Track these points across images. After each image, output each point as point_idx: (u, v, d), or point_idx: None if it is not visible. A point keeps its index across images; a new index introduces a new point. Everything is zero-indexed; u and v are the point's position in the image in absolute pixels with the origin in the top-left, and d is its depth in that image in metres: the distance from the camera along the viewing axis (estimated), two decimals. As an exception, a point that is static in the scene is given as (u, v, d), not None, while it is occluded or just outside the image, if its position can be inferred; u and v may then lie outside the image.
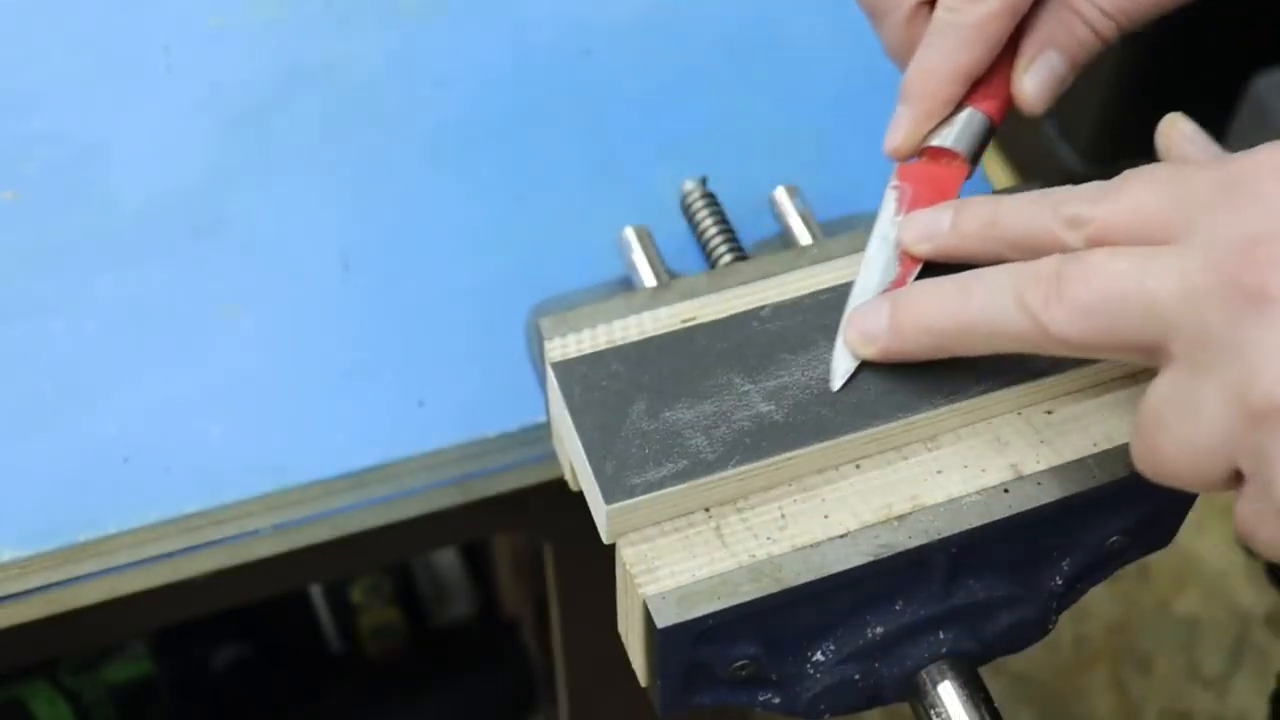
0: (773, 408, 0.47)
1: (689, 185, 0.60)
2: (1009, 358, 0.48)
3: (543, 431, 0.57)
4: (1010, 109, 0.53)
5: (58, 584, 0.57)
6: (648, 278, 0.56)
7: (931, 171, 0.52)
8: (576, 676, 0.80)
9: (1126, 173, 0.43)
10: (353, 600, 1.10)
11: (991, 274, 0.44)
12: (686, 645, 0.44)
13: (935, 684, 0.48)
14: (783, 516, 0.46)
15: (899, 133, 0.52)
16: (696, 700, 0.48)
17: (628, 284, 0.58)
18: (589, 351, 0.49)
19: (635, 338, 0.49)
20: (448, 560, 1.14)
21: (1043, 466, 0.47)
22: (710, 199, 0.59)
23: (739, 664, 0.46)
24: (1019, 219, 0.45)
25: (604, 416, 0.47)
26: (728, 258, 0.57)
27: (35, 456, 0.58)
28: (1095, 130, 1.60)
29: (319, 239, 0.65)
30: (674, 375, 0.48)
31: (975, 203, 0.48)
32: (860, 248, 0.52)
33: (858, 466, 0.47)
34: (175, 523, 0.57)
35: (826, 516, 0.46)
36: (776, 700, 0.48)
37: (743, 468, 0.46)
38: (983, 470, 0.47)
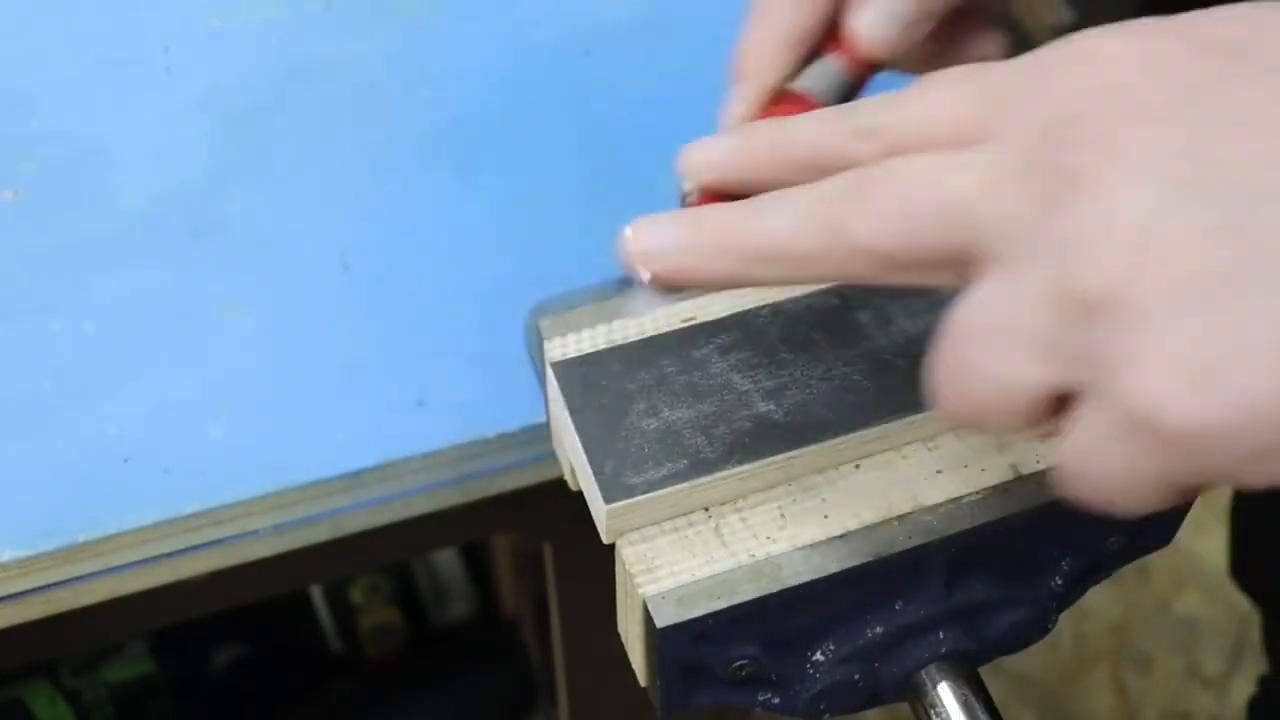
0: (772, 407, 0.47)
1: (689, 185, 0.60)
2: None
3: (543, 431, 0.57)
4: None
5: (58, 584, 0.57)
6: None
7: (781, 114, 0.47)
8: (576, 676, 0.80)
9: (923, 77, 0.39)
10: (353, 600, 1.10)
11: (795, 190, 0.39)
12: (686, 645, 0.44)
13: (935, 684, 0.48)
14: (782, 516, 0.46)
15: (733, 113, 0.48)
16: (696, 700, 0.48)
17: (628, 284, 0.58)
18: (589, 351, 0.49)
19: (635, 338, 0.49)
20: (448, 560, 1.14)
21: (1043, 467, 0.47)
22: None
23: (739, 664, 0.46)
24: (807, 135, 0.41)
25: (604, 416, 0.47)
26: (728, 258, 0.57)
27: (35, 456, 0.58)
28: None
29: (319, 239, 0.65)
30: (674, 375, 0.48)
31: (760, 125, 0.43)
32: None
33: (858, 466, 0.47)
34: (175, 523, 0.57)
35: (826, 516, 0.46)
36: (776, 700, 0.48)
37: (742, 467, 0.46)
38: (983, 470, 0.47)
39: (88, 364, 0.61)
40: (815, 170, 0.40)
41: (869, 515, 0.46)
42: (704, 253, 0.41)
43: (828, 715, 0.49)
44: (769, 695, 0.48)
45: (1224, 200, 0.31)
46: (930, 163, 0.36)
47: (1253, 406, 0.30)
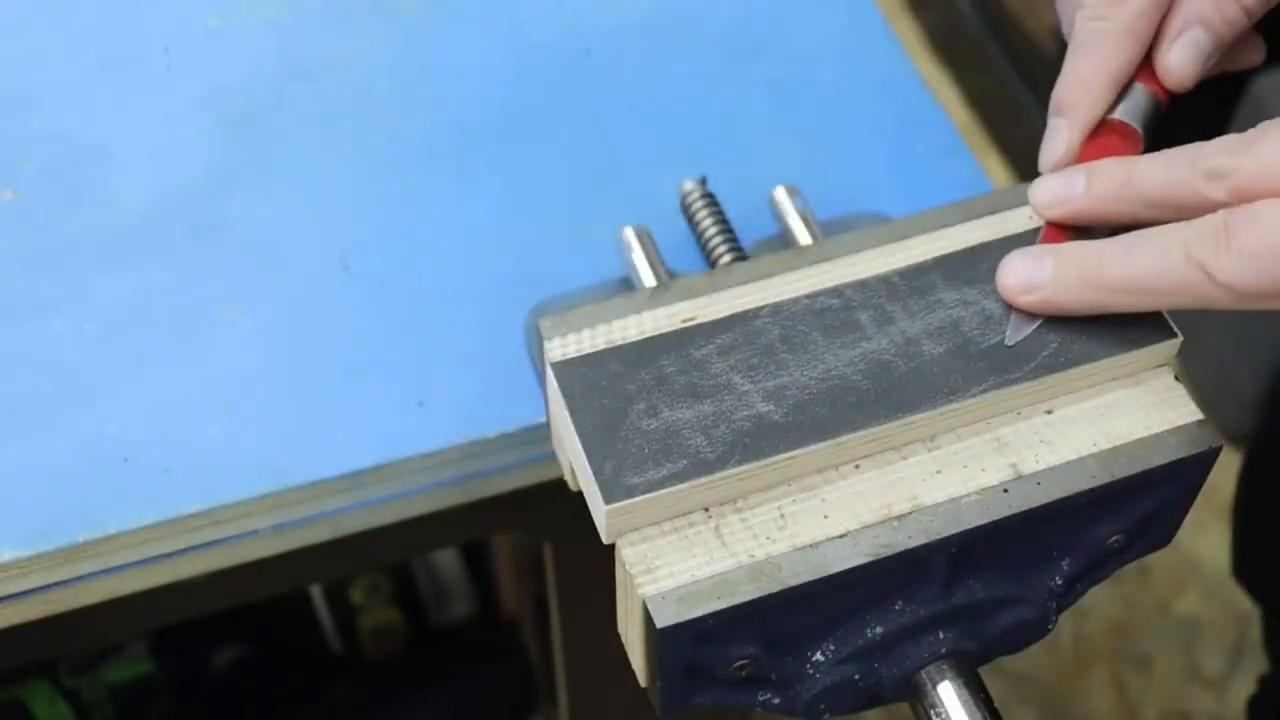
0: (772, 407, 0.47)
1: (689, 185, 0.60)
2: (1011, 355, 0.48)
3: (543, 431, 0.57)
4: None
5: (58, 584, 0.57)
6: (648, 278, 0.56)
7: (1105, 145, 0.52)
8: (576, 676, 0.80)
9: (1263, 124, 0.44)
10: (353, 600, 1.10)
11: (1158, 231, 0.45)
12: (686, 645, 0.44)
13: (935, 684, 0.48)
14: (782, 516, 0.46)
15: (1058, 145, 0.52)
16: (696, 700, 0.48)
17: (628, 284, 0.58)
18: (589, 351, 0.49)
19: (635, 338, 0.49)
20: (448, 560, 1.14)
21: (1042, 466, 0.47)
22: (710, 199, 0.59)
23: (739, 664, 0.46)
24: (1156, 177, 0.46)
25: (604, 416, 0.47)
26: (728, 258, 0.57)
27: (35, 456, 0.58)
28: (1095, 130, 1.60)
29: (319, 239, 0.65)
30: (674, 375, 0.48)
31: (1108, 164, 0.48)
32: (860, 248, 0.52)
33: (857, 466, 0.47)
34: (175, 523, 0.57)
35: (826, 516, 0.46)
36: (776, 700, 0.48)
37: (742, 468, 0.46)
38: (982, 470, 0.47)
39: (88, 364, 0.61)
40: (1164, 209, 0.46)
41: (869, 515, 0.46)
42: (1072, 287, 0.47)
43: (828, 715, 0.49)
44: (769, 695, 0.48)
45: None
46: None
47: None
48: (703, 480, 0.46)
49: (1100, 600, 1.51)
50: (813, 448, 0.46)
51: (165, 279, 0.64)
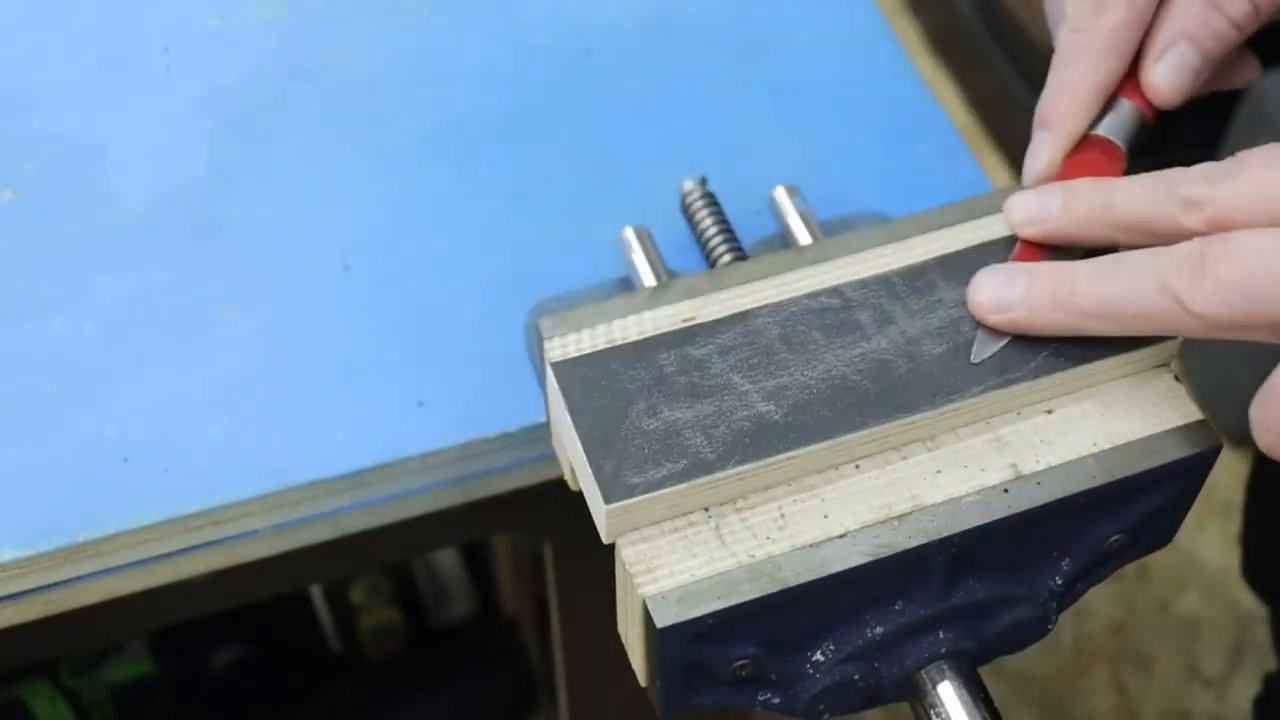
0: (772, 407, 0.47)
1: (689, 185, 0.60)
2: (1011, 355, 0.48)
3: (543, 431, 0.57)
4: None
5: (58, 584, 0.57)
6: (648, 278, 0.56)
7: (1088, 161, 0.51)
8: (576, 676, 0.80)
9: (1242, 153, 0.43)
10: (353, 600, 1.10)
11: (1134, 256, 0.44)
12: (686, 645, 0.44)
13: (935, 684, 0.48)
14: (782, 516, 0.46)
15: (1040, 159, 0.51)
16: (696, 700, 0.48)
17: (628, 284, 0.58)
18: (589, 351, 0.49)
19: (635, 338, 0.49)
20: (448, 560, 1.14)
21: (1042, 466, 0.47)
22: (710, 199, 0.59)
23: (739, 664, 0.46)
24: (1133, 202, 0.46)
25: (604, 416, 0.47)
26: (728, 258, 0.57)
27: (35, 456, 0.58)
28: (1095, 130, 1.60)
29: (319, 239, 0.65)
30: (674, 375, 0.48)
31: (1086, 185, 0.48)
32: (860, 247, 0.52)
33: (857, 466, 0.47)
34: (175, 523, 0.57)
35: (826, 516, 0.46)
36: (776, 700, 0.48)
37: (742, 468, 0.46)
38: (982, 470, 0.47)
39: (88, 364, 0.61)
40: (1141, 234, 0.45)
41: (869, 515, 0.46)
42: (1044, 308, 0.47)
43: (828, 715, 0.49)
44: (769, 695, 0.48)
45: None
46: (1269, 244, 0.41)
47: None
48: (703, 480, 0.46)
49: (1100, 600, 1.51)
50: (813, 448, 0.46)
51: (165, 279, 0.64)
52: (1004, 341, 0.48)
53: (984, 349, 0.48)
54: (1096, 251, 0.48)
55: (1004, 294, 0.48)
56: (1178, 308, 0.42)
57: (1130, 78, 0.52)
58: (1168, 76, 0.51)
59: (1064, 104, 0.51)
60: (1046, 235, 0.49)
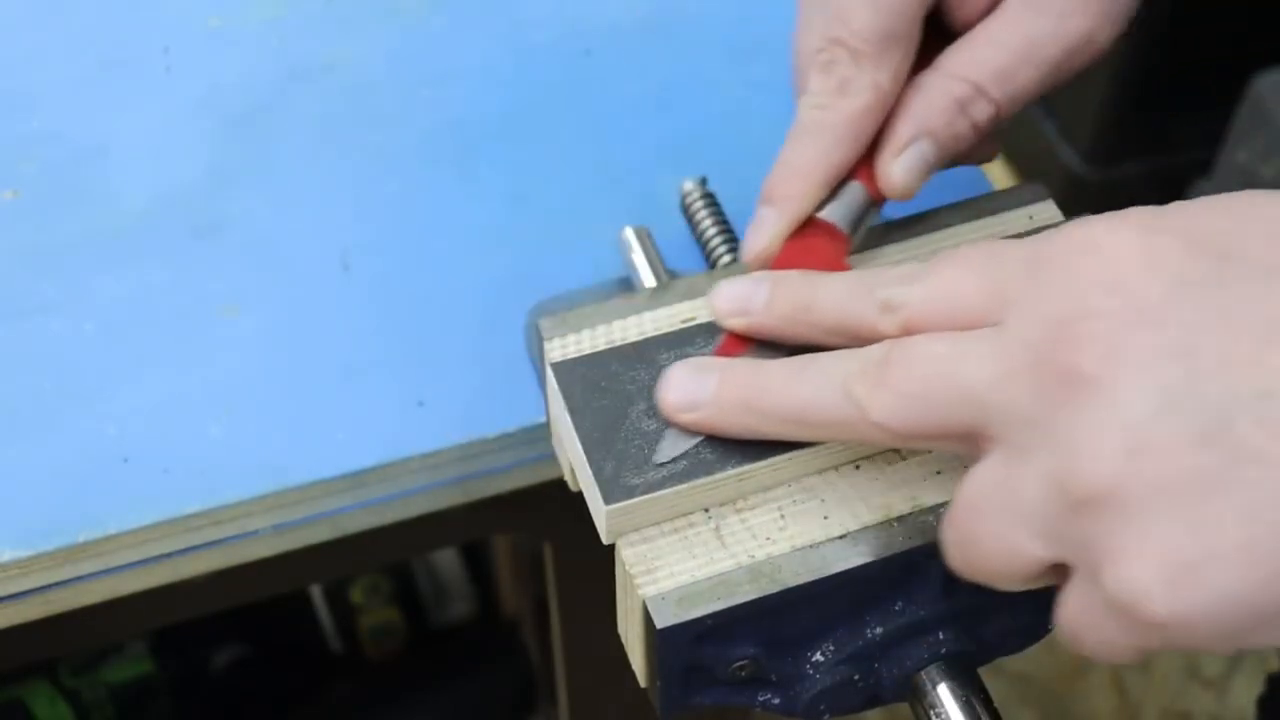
0: (772, 408, 0.47)
1: (689, 185, 0.60)
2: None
3: (543, 431, 0.57)
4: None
5: (58, 584, 0.57)
6: (648, 278, 0.56)
7: (810, 246, 0.49)
8: (576, 676, 0.80)
9: (940, 254, 0.42)
10: (353, 600, 1.10)
11: (823, 360, 0.43)
12: (686, 645, 0.44)
13: (935, 684, 0.48)
14: (782, 517, 0.46)
15: (762, 236, 0.50)
16: (696, 701, 0.48)
17: (628, 284, 0.58)
18: (589, 351, 0.49)
19: (635, 338, 0.49)
20: (448, 560, 1.14)
21: (1042, 467, 0.47)
22: (710, 199, 0.59)
23: (739, 664, 0.46)
24: (835, 302, 0.44)
25: (604, 417, 0.47)
26: (728, 258, 0.57)
27: (35, 456, 0.58)
28: (1095, 130, 1.60)
29: (319, 239, 0.65)
30: (674, 375, 0.48)
31: (792, 281, 0.46)
32: (860, 248, 0.52)
33: (857, 467, 0.47)
34: (175, 523, 0.57)
35: (826, 517, 0.46)
36: (776, 700, 0.48)
37: (742, 468, 0.46)
38: (982, 470, 0.47)
39: (88, 364, 0.61)
40: (842, 337, 0.44)
41: (869, 515, 0.46)
42: (732, 411, 0.45)
43: (828, 715, 0.49)
44: (769, 695, 0.48)
45: (1210, 404, 0.34)
46: (947, 349, 0.39)
47: (1224, 600, 0.33)
48: (703, 480, 0.45)
49: (1100, 600, 1.51)
50: (812, 448, 0.46)
51: (165, 279, 0.64)
52: (695, 441, 0.46)
53: (673, 447, 0.46)
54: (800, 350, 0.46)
55: (694, 392, 0.45)
56: (859, 415, 0.41)
57: (864, 161, 0.50)
58: (906, 173, 0.50)
59: (793, 185, 0.49)
60: (749, 329, 0.47)
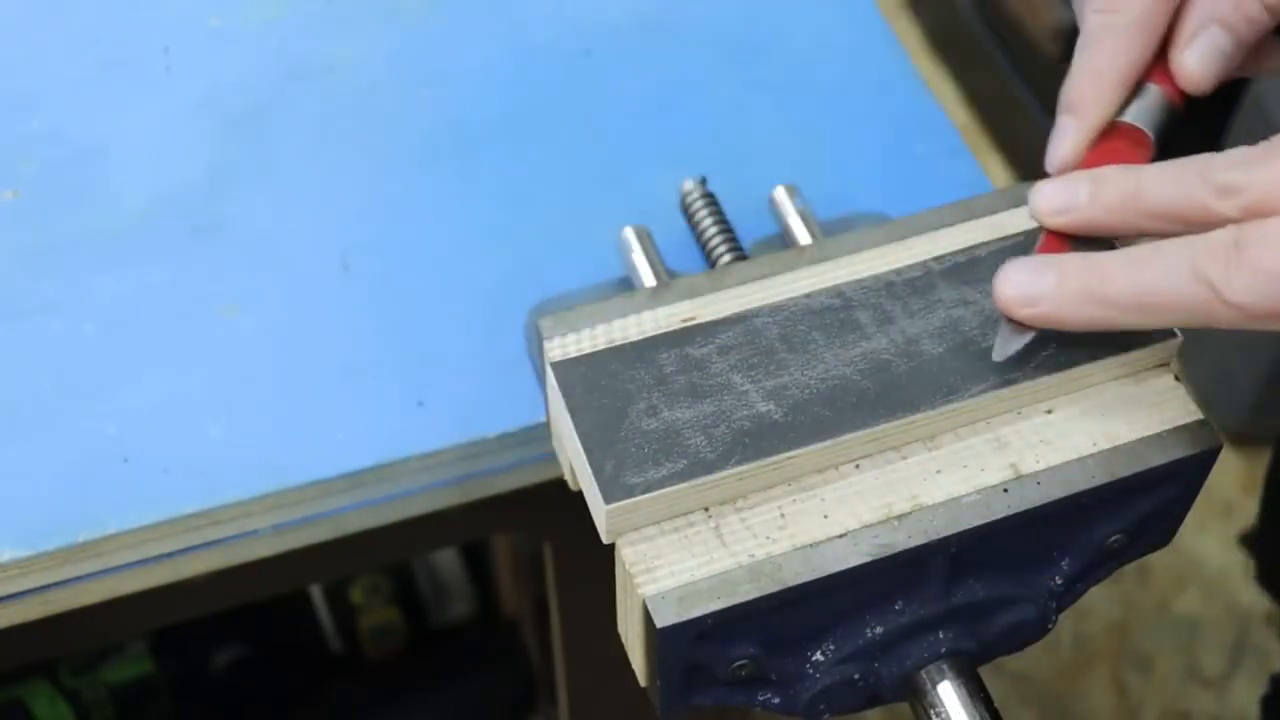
0: (772, 407, 0.47)
1: (689, 185, 0.60)
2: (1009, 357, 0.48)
3: (543, 431, 0.57)
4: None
5: (58, 584, 0.57)
6: (648, 278, 0.56)
7: (1114, 149, 0.49)
8: (576, 676, 0.80)
9: (1275, 138, 0.42)
10: (353, 600, 1.10)
11: (1166, 246, 0.43)
12: (686, 645, 0.44)
13: (935, 684, 0.48)
14: (782, 516, 0.46)
15: (1065, 144, 0.49)
16: (696, 700, 0.48)
17: (628, 284, 0.58)
18: (589, 351, 0.49)
19: (635, 338, 0.49)
20: (448, 560, 1.14)
21: (1042, 466, 0.47)
22: (710, 199, 0.59)
23: (739, 664, 0.46)
24: (1164, 189, 0.44)
25: (604, 416, 0.47)
26: (727, 258, 0.57)
27: (35, 456, 0.58)
28: (1095, 130, 1.59)
29: (319, 239, 0.65)
30: (674, 375, 0.48)
31: (1115, 173, 0.46)
32: (859, 248, 0.52)
33: (857, 466, 0.47)
34: (175, 523, 0.57)
35: (826, 516, 0.46)
36: (776, 700, 0.48)
37: (742, 467, 0.46)
38: (982, 470, 0.47)
39: (88, 364, 0.61)
40: (1173, 222, 0.43)
41: (869, 515, 0.46)
42: (1075, 301, 0.44)
43: (828, 715, 0.49)
44: (769, 695, 0.48)
45: None
46: None
47: None
48: (703, 480, 0.46)
49: (1100, 600, 1.51)
50: (813, 447, 0.46)
51: (165, 279, 0.64)
52: (1029, 337, 0.47)
53: (1007, 345, 0.47)
54: (1126, 243, 0.46)
55: (1033, 287, 0.45)
56: (1213, 297, 0.41)
57: (1158, 62, 0.50)
58: (1200, 62, 0.49)
59: (1090, 90, 0.49)
60: (1074, 225, 0.47)
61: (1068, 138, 0.49)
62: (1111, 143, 0.49)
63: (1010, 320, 0.47)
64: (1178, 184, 0.44)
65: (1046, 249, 0.48)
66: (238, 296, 0.63)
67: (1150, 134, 0.50)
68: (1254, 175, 0.41)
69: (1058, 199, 0.47)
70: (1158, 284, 0.42)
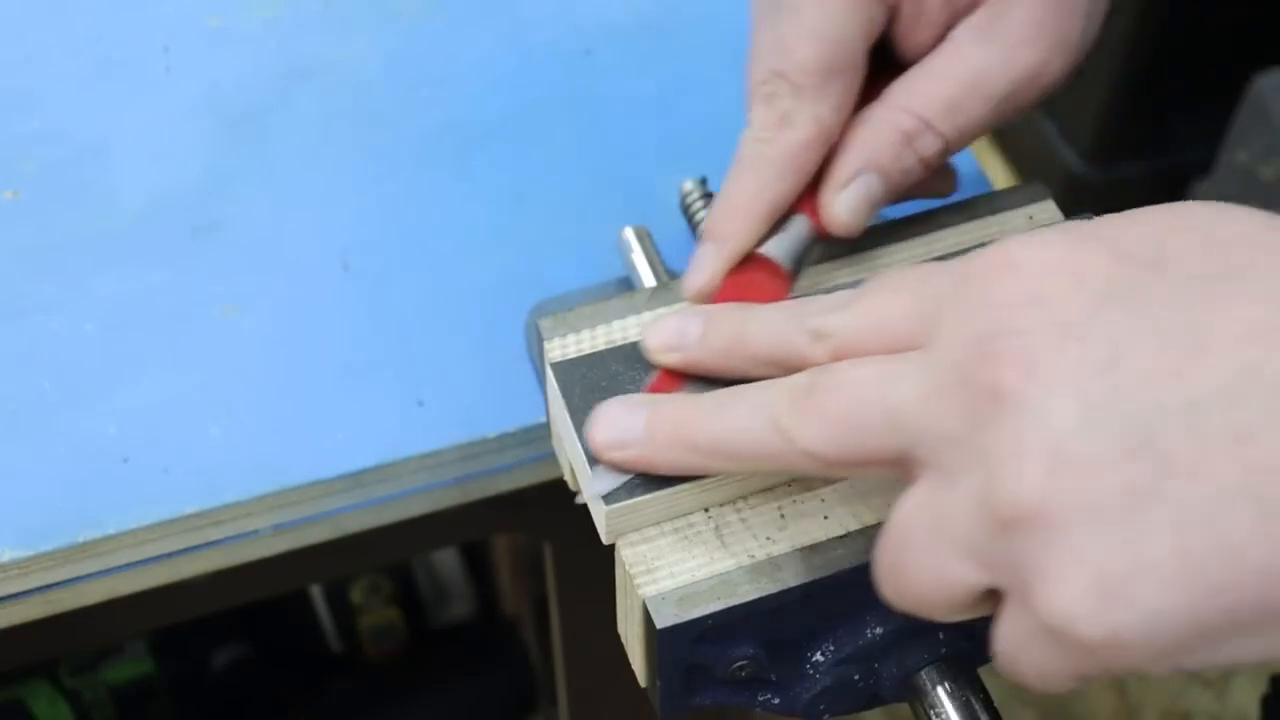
0: (772, 408, 0.47)
1: (689, 185, 0.60)
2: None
3: (543, 431, 0.57)
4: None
5: (58, 584, 0.57)
6: (648, 278, 0.56)
7: (751, 281, 0.48)
8: (576, 676, 0.80)
9: (869, 280, 0.41)
10: (353, 600, 1.10)
11: (750, 390, 0.42)
12: (686, 645, 0.44)
13: (935, 684, 0.48)
14: (782, 516, 0.46)
15: (703, 273, 0.48)
16: (696, 701, 0.48)
17: (628, 284, 0.58)
18: (589, 351, 0.49)
19: (635, 338, 0.49)
20: (448, 560, 1.14)
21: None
22: (710, 199, 0.59)
23: (739, 664, 0.46)
24: (767, 334, 0.43)
25: (604, 417, 0.47)
26: (727, 258, 0.57)
27: (35, 456, 0.58)
28: (1095, 130, 1.60)
29: (319, 239, 0.65)
30: (674, 375, 0.48)
31: (725, 314, 0.45)
32: (860, 248, 0.52)
33: (857, 467, 0.47)
34: (175, 523, 0.57)
35: (826, 517, 0.46)
36: (776, 700, 0.48)
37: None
38: (982, 470, 0.47)
39: (88, 364, 0.61)
40: (775, 368, 0.42)
41: (869, 515, 0.46)
42: (662, 445, 0.43)
43: (828, 715, 0.49)
44: (769, 695, 0.48)
45: (1134, 416, 0.32)
46: (873, 374, 0.38)
47: (1156, 618, 0.32)
48: (703, 480, 0.45)
49: (1100, 600, 1.51)
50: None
51: (165, 279, 0.64)
52: (626, 478, 0.45)
53: (602, 483, 0.45)
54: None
55: (625, 429, 0.44)
56: (787, 444, 0.39)
57: (809, 191, 0.49)
58: (849, 211, 0.49)
59: (731, 221, 0.48)
60: (682, 364, 0.46)
61: (704, 266, 0.49)
62: (750, 274, 0.49)
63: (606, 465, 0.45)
64: (780, 329, 0.43)
65: (658, 386, 0.47)
66: (237, 296, 0.63)
67: (789, 268, 0.49)
68: (839, 320, 0.41)
69: (668, 335, 0.46)
70: (739, 431, 0.41)
